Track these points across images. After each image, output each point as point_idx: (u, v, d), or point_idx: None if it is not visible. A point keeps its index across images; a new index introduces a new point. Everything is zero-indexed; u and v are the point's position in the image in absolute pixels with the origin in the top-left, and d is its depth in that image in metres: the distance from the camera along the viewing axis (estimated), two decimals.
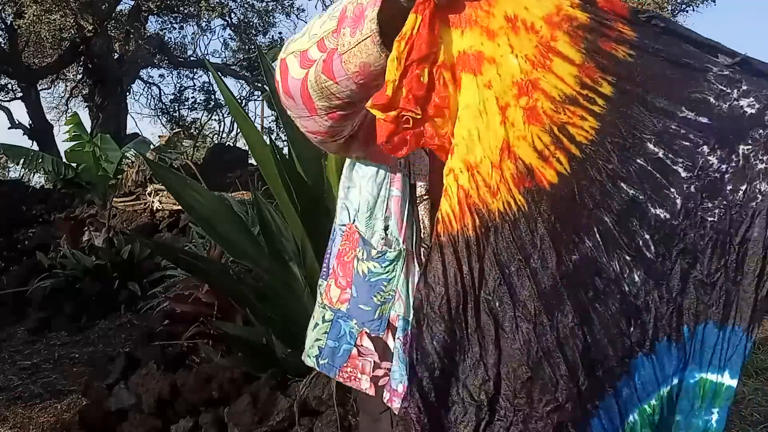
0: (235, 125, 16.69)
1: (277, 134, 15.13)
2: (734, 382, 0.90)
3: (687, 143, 0.88)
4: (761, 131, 0.88)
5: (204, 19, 13.73)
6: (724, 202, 0.88)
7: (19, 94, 13.78)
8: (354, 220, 1.11)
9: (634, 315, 0.89)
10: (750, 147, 0.88)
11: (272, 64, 3.74)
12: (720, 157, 0.88)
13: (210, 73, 15.24)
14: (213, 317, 2.84)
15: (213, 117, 18.67)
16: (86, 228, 5.68)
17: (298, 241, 2.40)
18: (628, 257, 0.88)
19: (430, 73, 0.88)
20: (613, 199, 0.88)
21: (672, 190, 0.89)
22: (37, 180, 11.03)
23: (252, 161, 11.01)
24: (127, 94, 14.27)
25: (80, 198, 8.70)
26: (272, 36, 15.26)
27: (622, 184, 0.88)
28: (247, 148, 10.27)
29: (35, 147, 11.44)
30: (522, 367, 0.85)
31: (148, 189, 7.47)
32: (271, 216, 2.75)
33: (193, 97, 17.94)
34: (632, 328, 0.89)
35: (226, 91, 2.67)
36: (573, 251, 0.87)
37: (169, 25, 14.97)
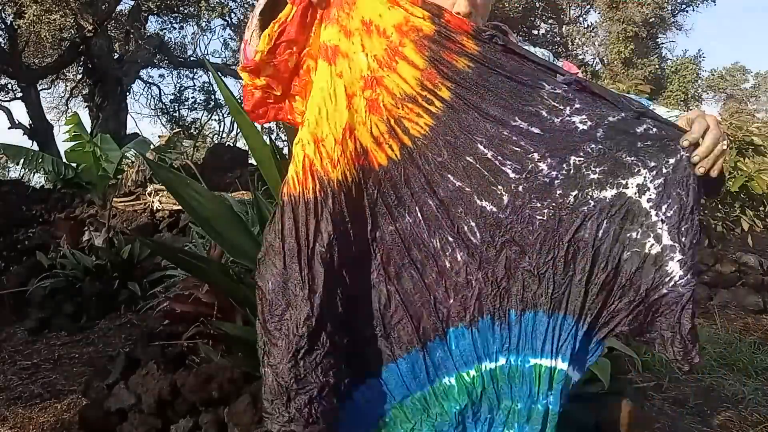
0: (235, 125, 16.69)
1: (277, 134, 15.15)
2: (565, 366, 1.04)
3: (517, 149, 1.03)
4: (593, 146, 1.02)
5: (204, 19, 13.74)
6: (554, 204, 1.02)
7: (19, 94, 13.78)
8: None
9: (454, 288, 1.05)
10: (582, 159, 1.02)
11: None
12: (550, 165, 1.02)
13: (210, 73, 15.24)
14: (213, 317, 2.84)
15: (213, 117, 18.68)
16: (86, 228, 5.68)
17: None
18: (450, 238, 1.05)
19: (297, 59, 1.07)
20: (439, 186, 1.05)
21: (499, 187, 1.04)
22: (37, 180, 11.02)
23: (252, 161, 11.01)
24: (127, 94, 14.26)
25: (80, 198, 8.70)
26: None
27: (449, 176, 1.05)
28: (247, 148, 10.27)
29: (35, 147, 11.44)
30: (338, 309, 1.01)
31: (148, 189, 7.47)
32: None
33: (193, 97, 17.95)
34: (451, 300, 1.05)
35: (226, 91, 2.67)
36: (391, 223, 1.05)
37: (169, 25, 14.97)
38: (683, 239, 0.99)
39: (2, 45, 11.81)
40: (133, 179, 6.28)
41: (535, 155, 1.03)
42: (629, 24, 16.29)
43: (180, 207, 5.75)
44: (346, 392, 1.03)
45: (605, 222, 1.01)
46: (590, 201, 1.02)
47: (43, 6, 9.63)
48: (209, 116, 18.56)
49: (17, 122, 14.10)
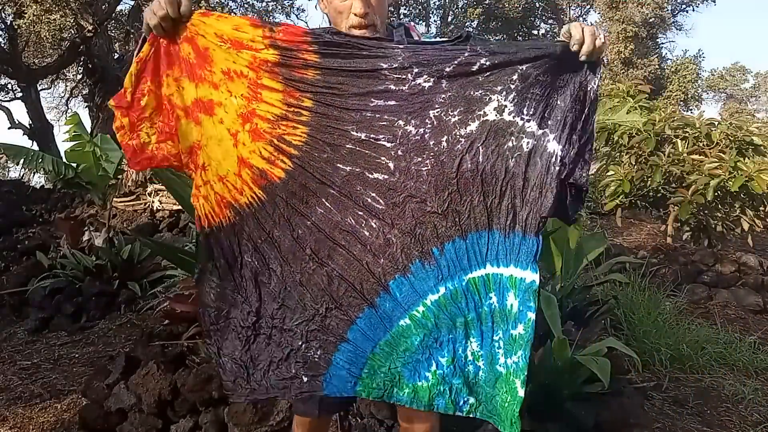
0: None
1: None
2: (496, 269, 1.24)
3: (384, 123, 1.24)
4: (442, 96, 1.22)
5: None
6: (432, 154, 1.23)
7: (19, 94, 13.78)
8: None
9: (380, 250, 1.25)
10: (438, 109, 1.23)
11: None
12: (415, 125, 1.23)
13: None
14: None
15: None
16: (86, 228, 5.68)
17: None
18: (359, 212, 1.25)
19: (158, 98, 1.30)
20: (333, 176, 1.25)
21: (382, 158, 1.24)
22: (37, 180, 11.03)
23: None
24: None
25: (80, 198, 8.70)
26: None
27: (338, 164, 1.25)
28: None
29: (35, 147, 11.44)
30: (275, 300, 1.28)
31: (148, 189, 7.47)
32: None
33: None
34: (381, 260, 1.25)
35: None
36: (308, 217, 1.27)
37: None
38: (549, 122, 1.21)
39: (2, 45, 11.81)
40: (133, 179, 6.28)
41: (400, 122, 1.24)
42: (629, 24, 16.29)
43: (180, 207, 5.75)
44: (324, 358, 1.28)
45: (481, 148, 1.22)
46: (460, 139, 1.23)
47: (43, 6, 9.62)
48: None
49: (17, 122, 14.09)
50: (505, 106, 1.22)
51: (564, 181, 1.22)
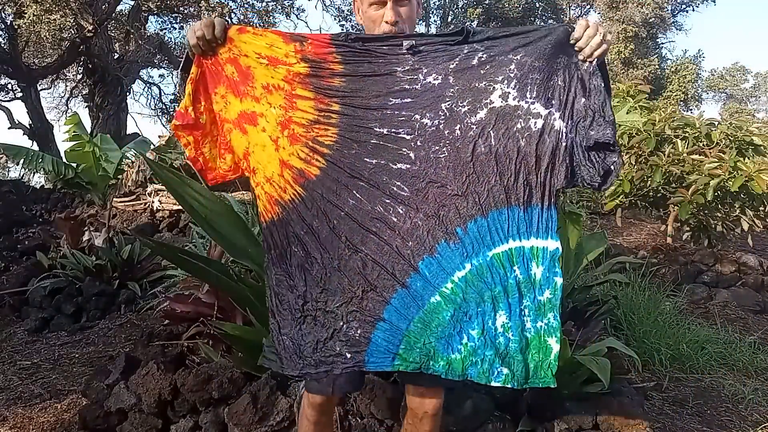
0: None
1: None
2: (517, 243, 1.35)
3: (402, 118, 1.40)
4: (451, 90, 1.38)
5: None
6: (447, 141, 1.37)
7: (19, 94, 13.76)
8: None
9: (408, 234, 1.38)
10: (449, 102, 1.38)
11: None
12: (430, 117, 1.38)
13: None
14: (213, 317, 2.84)
15: None
16: (86, 228, 5.67)
17: None
18: (387, 200, 1.39)
19: (211, 116, 1.50)
20: (362, 170, 1.41)
21: (404, 149, 1.39)
22: (37, 180, 11.02)
23: None
24: (127, 94, 14.25)
25: (80, 198, 8.69)
26: None
27: (366, 159, 1.41)
28: None
29: (35, 147, 11.43)
30: (318, 285, 1.43)
31: (148, 189, 7.47)
32: None
33: None
34: (410, 242, 1.37)
35: None
36: (341, 208, 1.41)
37: (169, 25, 14.95)
38: (553, 102, 1.35)
39: (2, 45, 11.80)
40: (133, 179, 6.28)
41: (416, 116, 1.39)
42: (629, 24, 16.28)
43: (180, 207, 5.75)
44: (363, 337, 1.39)
45: (491, 132, 1.36)
46: (472, 126, 1.37)
47: (43, 6, 9.62)
48: None
49: (17, 122, 14.08)
50: (509, 92, 1.36)
51: (586, 147, 1.34)
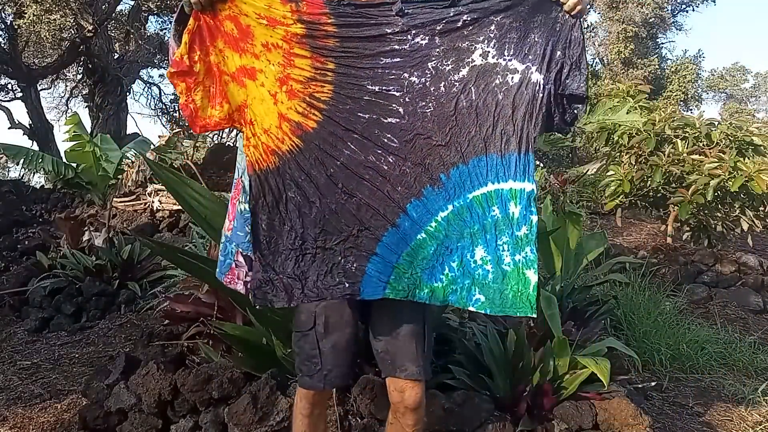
0: None
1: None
2: (496, 185, 1.51)
3: (392, 76, 1.53)
4: (436, 49, 1.51)
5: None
6: (433, 97, 1.52)
7: (19, 94, 13.76)
8: (241, 176, 1.74)
9: (397, 180, 1.54)
10: (435, 61, 1.52)
11: None
12: (417, 75, 1.52)
13: None
14: (213, 317, 2.84)
15: None
16: (86, 228, 5.67)
17: None
18: (378, 150, 1.54)
19: (206, 65, 1.56)
20: (356, 123, 1.54)
21: (393, 105, 1.53)
22: (37, 180, 11.01)
23: None
24: (127, 94, 14.24)
25: (80, 198, 8.69)
26: None
27: (359, 113, 1.54)
28: None
29: (35, 147, 11.43)
30: (317, 226, 1.56)
31: (148, 189, 7.47)
32: None
33: None
34: (399, 187, 1.54)
35: None
36: (337, 158, 1.54)
37: (169, 25, 14.90)
38: (530, 57, 1.50)
39: (2, 45, 11.80)
40: (133, 179, 6.26)
41: (405, 74, 1.52)
42: (629, 24, 16.27)
43: (180, 207, 5.74)
44: (359, 270, 1.55)
45: (472, 88, 1.51)
46: (455, 83, 1.52)
47: (43, 6, 9.62)
48: None
49: (17, 122, 14.07)
50: (489, 51, 1.51)
51: (561, 95, 1.51)
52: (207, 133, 20.76)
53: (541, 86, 1.50)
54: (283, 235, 1.57)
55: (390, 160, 1.54)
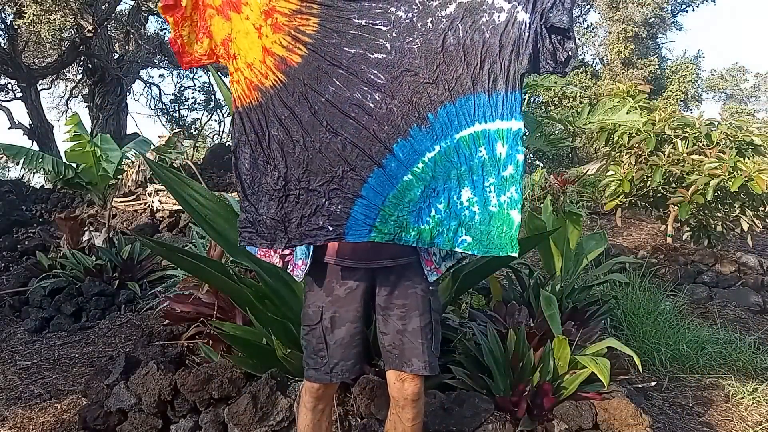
0: None
1: None
2: (484, 125, 1.48)
3: (379, 10, 1.49)
4: None
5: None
6: (420, 33, 1.48)
7: (19, 94, 13.75)
8: None
9: (383, 119, 1.49)
10: None
11: None
12: (405, 10, 1.48)
13: (210, 73, 15.21)
14: (213, 317, 2.84)
15: (213, 117, 18.66)
16: (86, 228, 5.67)
17: None
18: (365, 87, 1.49)
19: (196, 4, 1.53)
20: (341, 59, 1.50)
21: (380, 40, 1.49)
22: (37, 180, 11.01)
23: None
24: (127, 94, 14.23)
25: (80, 198, 8.70)
26: None
27: (345, 48, 1.49)
28: None
29: (35, 147, 11.42)
30: (300, 166, 1.52)
31: (148, 189, 7.47)
32: None
33: (193, 97, 17.94)
34: (386, 126, 1.49)
35: (226, 91, 2.67)
36: (322, 95, 1.50)
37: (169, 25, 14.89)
38: None
39: (2, 45, 11.80)
40: (133, 179, 6.26)
41: (392, 8, 1.48)
42: (629, 24, 16.26)
43: (180, 207, 5.74)
44: (344, 212, 1.51)
45: (459, 25, 1.46)
46: (442, 19, 1.47)
47: (43, 6, 9.61)
48: (209, 116, 18.55)
49: (17, 122, 14.07)
50: None
51: (548, 30, 1.46)
52: (207, 133, 20.72)
53: (527, 25, 1.46)
54: (266, 175, 1.53)
55: (377, 97, 1.49)
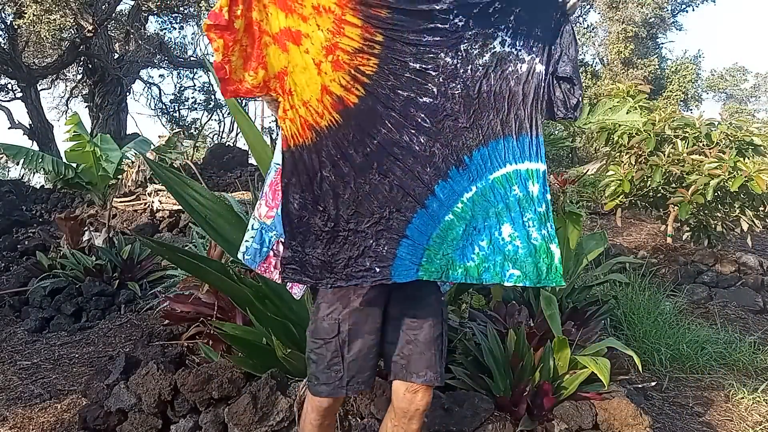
0: (235, 125, 16.68)
1: (277, 134, 15.11)
2: (514, 166, 1.58)
3: (431, 55, 1.52)
4: (469, 33, 1.53)
5: (204, 19, 13.70)
6: (461, 80, 1.55)
7: (19, 94, 13.75)
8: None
9: (427, 161, 1.54)
10: (466, 44, 1.54)
11: None
12: (451, 56, 1.53)
13: (210, 73, 15.21)
14: (213, 317, 2.84)
15: (213, 117, 18.67)
16: (86, 228, 5.67)
17: None
18: (412, 130, 1.53)
19: (247, 20, 1.43)
20: (395, 101, 1.51)
21: (429, 84, 1.53)
22: (37, 180, 11.01)
23: (252, 161, 10.99)
24: (127, 94, 14.24)
25: (80, 198, 8.70)
26: None
27: (399, 91, 1.51)
28: (247, 148, 10.25)
29: (35, 147, 11.43)
30: (349, 208, 1.53)
31: (148, 189, 7.47)
32: None
33: (193, 97, 17.95)
34: (428, 168, 1.55)
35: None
36: (374, 137, 1.51)
37: (169, 25, 14.96)
38: (534, 49, 1.58)
39: (2, 45, 11.80)
40: (133, 179, 6.27)
41: (441, 54, 1.52)
42: (629, 24, 16.26)
43: (180, 207, 5.74)
44: (390, 253, 1.54)
45: (492, 73, 1.56)
46: (479, 67, 1.56)
47: (43, 6, 9.62)
48: (209, 116, 18.56)
49: (17, 122, 14.08)
50: (506, 40, 1.56)
51: (555, 78, 1.60)
52: (207, 133, 20.70)
53: (543, 76, 1.58)
54: (315, 216, 1.53)
55: (422, 140, 1.53)
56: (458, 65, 1.54)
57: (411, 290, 1.70)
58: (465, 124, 1.55)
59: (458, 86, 1.54)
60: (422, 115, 1.53)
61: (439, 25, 1.50)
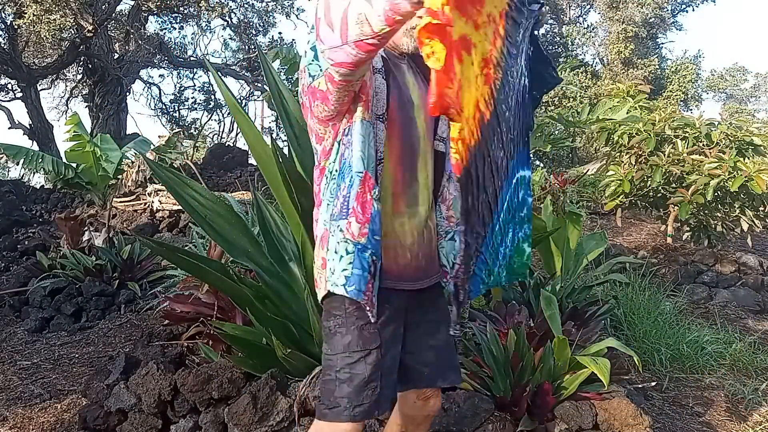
0: (235, 125, 16.68)
1: (277, 134, 15.13)
2: (527, 172, 1.69)
3: (514, 71, 1.50)
4: (517, 60, 1.51)
5: (204, 19, 13.75)
6: (512, 92, 1.51)
7: (19, 94, 13.75)
8: (366, 168, 1.43)
9: (501, 175, 1.54)
10: (513, 68, 1.48)
11: (272, 63, 3.73)
12: (512, 75, 1.47)
13: (210, 73, 15.23)
14: (213, 317, 2.84)
15: (213, 117, 18.67)
16: (86, 228, 5.67)
17: (298, 241, 2.40)
18: (500, 145, 1.50)
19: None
20: (501, 116, 1.45)
21: (509, 98, 1.50)
22: (37, 180, 11.01)
23: (252, 161, 10.99)
24: (127, 94, 14.24)
25: (80, 198, 8.69)
26: (272, 36, 15.28)
27: (502, 105, 1.45)
28: (247, 148, 10.25)
29: (35, 147, 11.43)
30: (479, 225, 1.49)
31: (148, 189, 7.47)
32: (271, 216, 2.74)
33: (193, 97, 17.95)
34: (501, 182, 1.55)
35: (226, 91, 2.67)
36: (489, 154, 1.42)
37: (169, 25, 14.98)
38: (523, 65, 1.58)
39: (2, 45, 11.80)
40: (133, 179, 6.28)
41: (510, 69, 1.47)
42: (629, 24, 16.27)
43: (180, 207, 5.74)
44: (473, 269, 1.54)
45: (514, 93, 1.54)
46: (515, 80, 1.53)
47: (43, 6, 9.62)
48: (209, 116, 18.56)
49: (17, 122, 14.07)
50: (521, 64, 1.60)
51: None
52: (207, 133, 20.64)
53: (528, 88, 1.66)
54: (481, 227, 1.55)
55: (501, 154, 1.52)
56: (511, 80, 1.51)
57: (428, 296, 1.62)
58: (511, 137, 1.56)
59: (514, 96, 1.54)
60: (505, 129, 1.49)
61: (513, 51, 1.47)
